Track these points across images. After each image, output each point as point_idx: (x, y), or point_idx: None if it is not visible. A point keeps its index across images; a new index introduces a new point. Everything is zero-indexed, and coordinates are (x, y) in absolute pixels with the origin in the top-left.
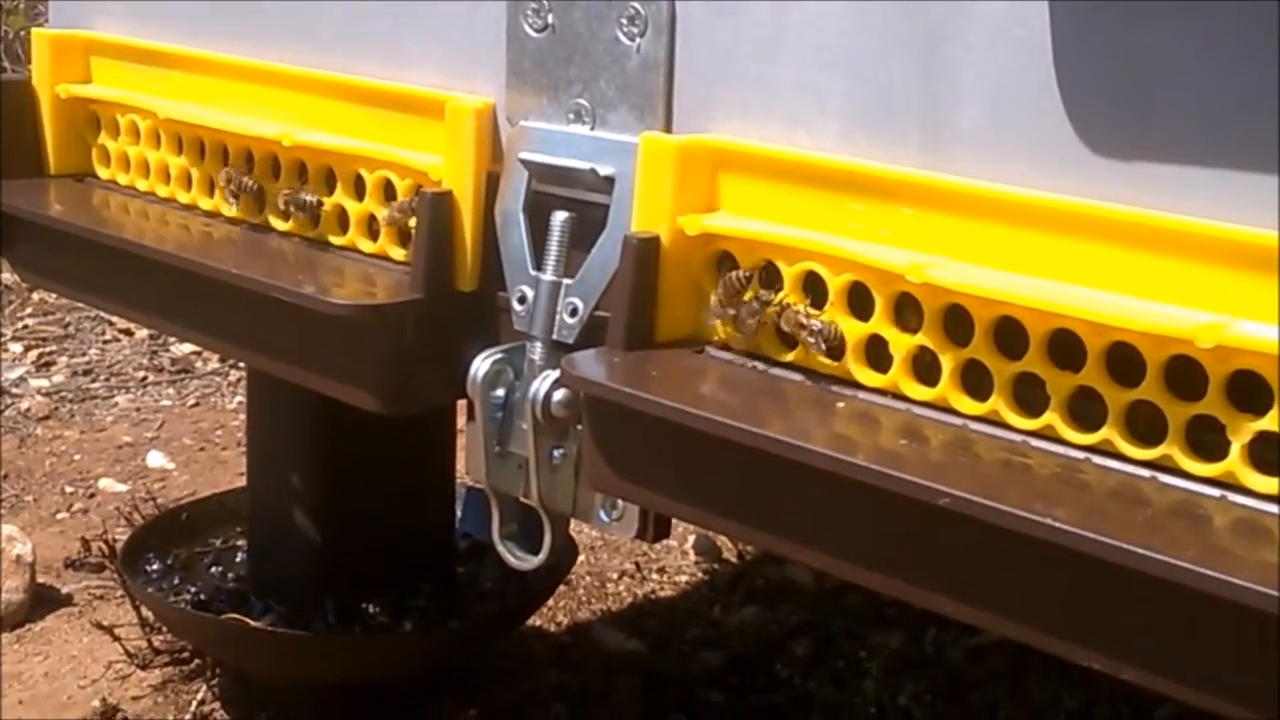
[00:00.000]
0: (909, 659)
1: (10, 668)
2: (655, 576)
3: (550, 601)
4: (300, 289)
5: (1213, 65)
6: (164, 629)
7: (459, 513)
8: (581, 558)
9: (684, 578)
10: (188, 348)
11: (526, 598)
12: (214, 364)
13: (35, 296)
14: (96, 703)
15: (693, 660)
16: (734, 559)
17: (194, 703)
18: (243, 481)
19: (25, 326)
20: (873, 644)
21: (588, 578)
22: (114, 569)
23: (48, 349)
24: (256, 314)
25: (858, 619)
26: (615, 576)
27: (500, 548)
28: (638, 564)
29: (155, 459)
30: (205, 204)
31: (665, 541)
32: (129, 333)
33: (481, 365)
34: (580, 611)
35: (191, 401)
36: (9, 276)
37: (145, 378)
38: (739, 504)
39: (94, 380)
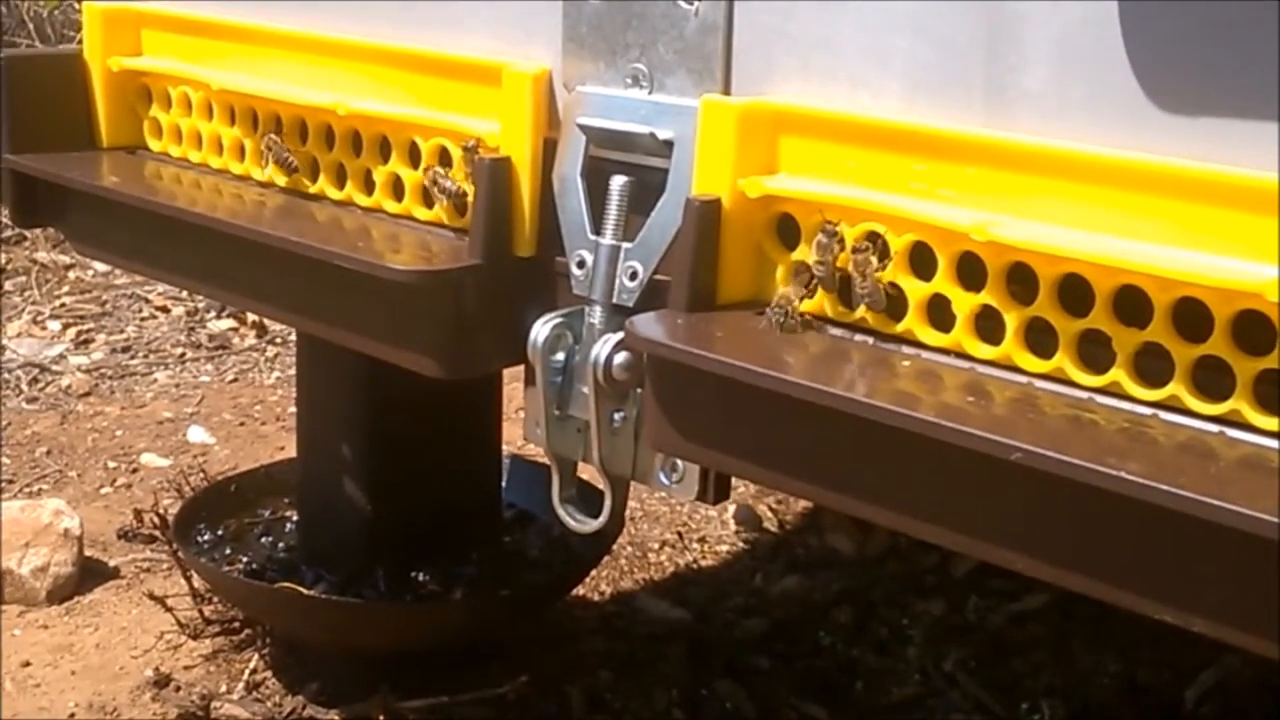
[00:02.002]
0: (951, 626)
1: (61, 639)
2: (696, 546)
3: (593, 571)
4: (359, 255)
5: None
6: (214, 599)
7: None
8: None
9: (725, 547)
10: (225, 324)
11: (574, 566)
12: (251, 340)
13: (72, 275)
14: (149, 672)
15: (736, 628)
16: (774, 529)
17: (246, 671)
18: (283, 455)
19: (63, 305)
20: (915, 612)
21: (629, 548)
22: (166, 540)
23: (85, 327)
24: (314, 281)
25: (899, 587)
26: (657, 546)
27: (560, 511)
28: (679, 534)
29: (196, 434)
30: (259, 175)
31: (705, 512)
32: (166, 310)
33: (541, 330)
34: (623, 581)
35: (230, 377)
36: (45, 255)
37: (184, 354)
38: (804, 462)
39: (133, 357)
